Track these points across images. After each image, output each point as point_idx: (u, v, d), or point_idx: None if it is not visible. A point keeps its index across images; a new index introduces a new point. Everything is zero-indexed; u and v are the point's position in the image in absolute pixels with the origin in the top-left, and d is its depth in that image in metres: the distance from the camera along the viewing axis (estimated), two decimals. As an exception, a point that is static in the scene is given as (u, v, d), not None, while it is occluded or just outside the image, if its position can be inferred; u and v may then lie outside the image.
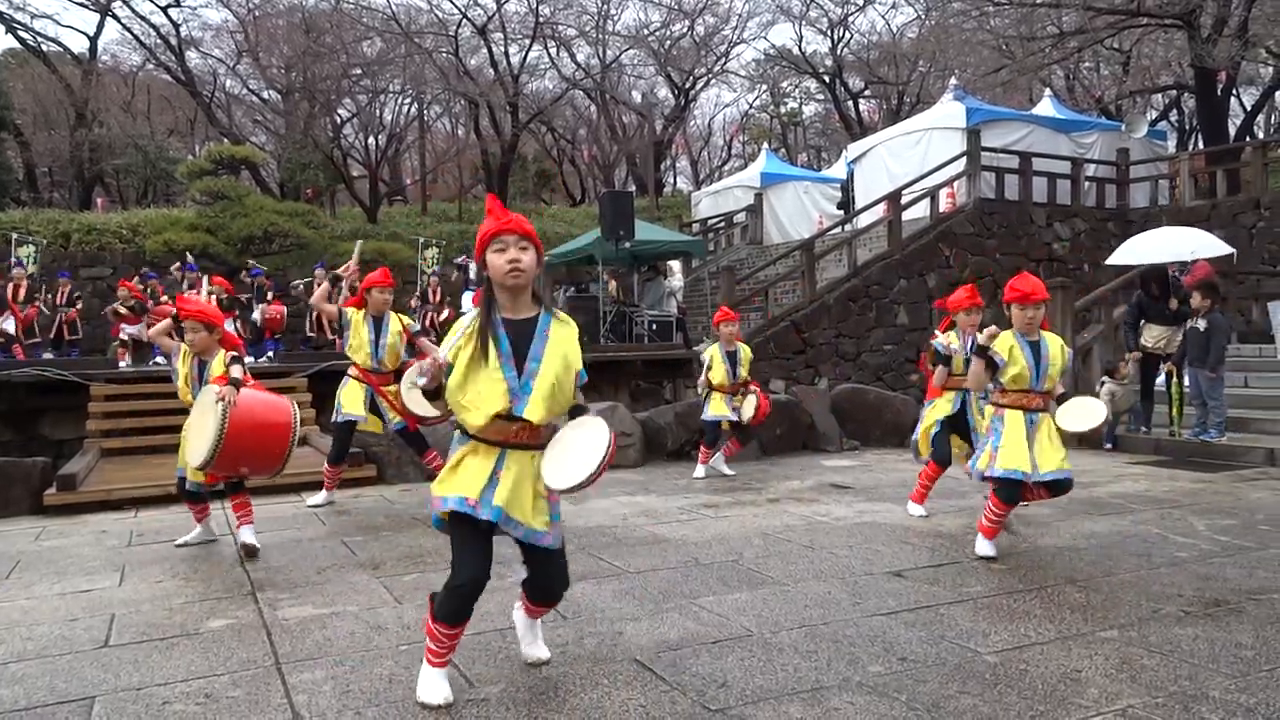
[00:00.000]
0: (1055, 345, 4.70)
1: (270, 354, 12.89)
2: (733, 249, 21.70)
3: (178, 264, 14.73)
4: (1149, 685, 2.97)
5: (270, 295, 13.90)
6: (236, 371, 4.87)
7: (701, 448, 7.75)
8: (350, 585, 4.38)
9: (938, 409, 5.73)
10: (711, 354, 7.59)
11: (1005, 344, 4.63)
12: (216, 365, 5.00)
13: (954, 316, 5.74)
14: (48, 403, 9.50)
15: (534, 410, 2.79)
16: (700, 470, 7.66)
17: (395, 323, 6.47)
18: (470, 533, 2.84)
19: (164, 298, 13.50)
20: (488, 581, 2.87)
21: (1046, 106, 18.14)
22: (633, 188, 30.07)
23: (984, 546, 4.69)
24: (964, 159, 14.87)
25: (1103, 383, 9.24)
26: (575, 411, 2.95)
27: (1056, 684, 2.99)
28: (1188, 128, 28.24)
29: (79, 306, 13.81)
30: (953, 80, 19.63)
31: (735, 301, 13.30)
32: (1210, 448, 8.34)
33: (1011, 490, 4.59)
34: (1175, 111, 28.50)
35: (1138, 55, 22.86)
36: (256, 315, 13.53)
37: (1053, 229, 15.38)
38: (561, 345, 2.86)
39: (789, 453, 8.54)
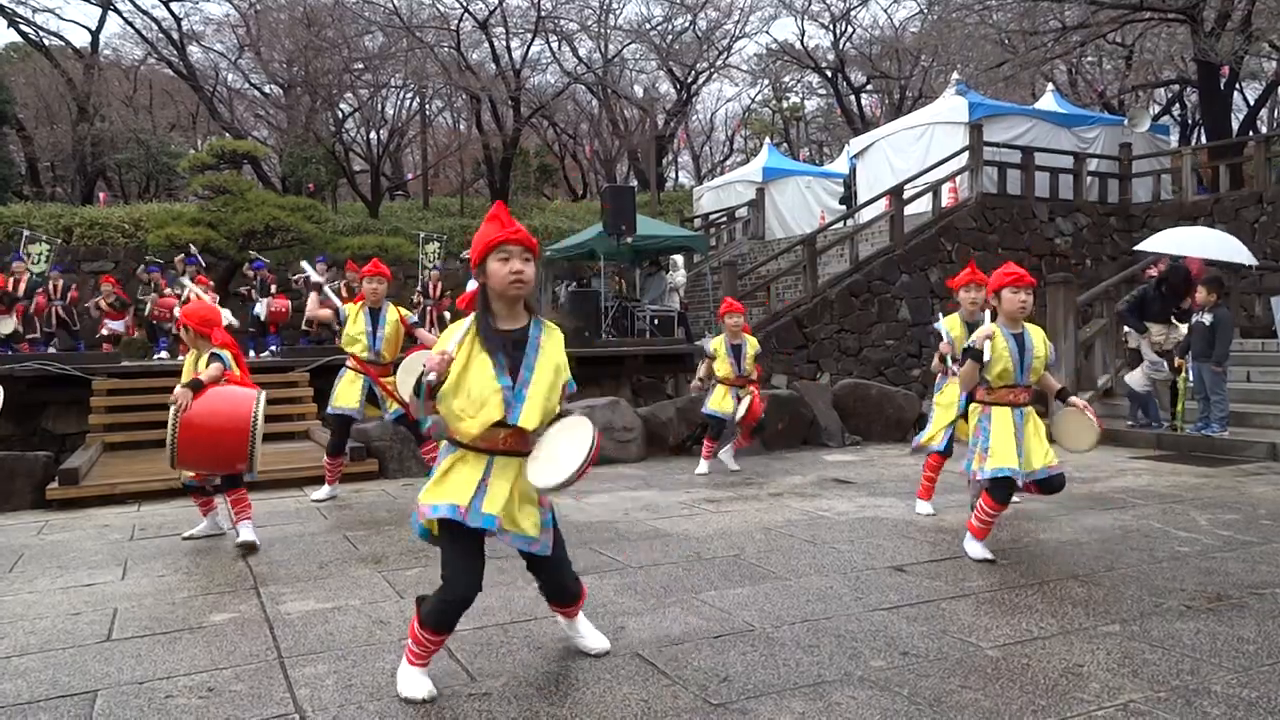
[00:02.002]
0: (1038, 336, 4.58)
1: (273, 349, 12.89)
2: (735, 244, 21.67)
3: (180, 255, 14.72)
4: (1151, 679, 2.97)
5: (274, 289, 13.89)
6: (209, 372, 4.88)
7: (705, 442, 7.73)
8: (352, 580, 4.39)
9: (948, 410, 5.63)
10: (716, 346, 7.54)
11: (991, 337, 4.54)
12: (201, 364, 5.02)
13: (956, 296, 5.71)
14: (50, 397, 9.52)
15: (528, 418, 2.82)
16: (704, 466, 7.59)
17: (392, 313, 6.50)
18: (463, 545, 2.85)
19: (167, 290, 13.49)
20: (478, 594, 2.87)
21: (1049, 101, 18.10)
22: (634, 183, 30.05)
23: (975, 548, 4.54)
24: (966, 154, 14.84)
25: (1163, 364, 9.09)
26: (558, 416, 2.97)
27: (1058, 678, 2.99)
28: (1190, 122, 28.16)
29: (74, 294, 13.76)
30: (955, 75, 19.56)
31: (737, 297, 13.28)
32: (1213, 442, 8.34)
33: (1005, 490, 4.49)
34: (1178, 106, 28.40)
35: (1140, 50, 22.80)
36: (260, 309, 13.51)
37: (1055, 224, 15.36)
38: (552, 355, 2.91)
39: (791, 448, 8.54)
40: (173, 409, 4.69)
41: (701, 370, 7.68)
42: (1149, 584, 4.07)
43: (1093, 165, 16.29)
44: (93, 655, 3.42)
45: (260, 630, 3.65)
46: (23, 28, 26.05)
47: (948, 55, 24.58)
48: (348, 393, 6.45)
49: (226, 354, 5.07)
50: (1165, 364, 8.98)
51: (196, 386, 4.80)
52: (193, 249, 14.55)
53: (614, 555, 4.69)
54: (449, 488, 2.84)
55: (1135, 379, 9.22)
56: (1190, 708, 2.76)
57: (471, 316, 2.88)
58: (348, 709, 2.86)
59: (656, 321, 15.10)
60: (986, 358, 4.44)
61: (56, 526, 5.97)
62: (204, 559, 4.91)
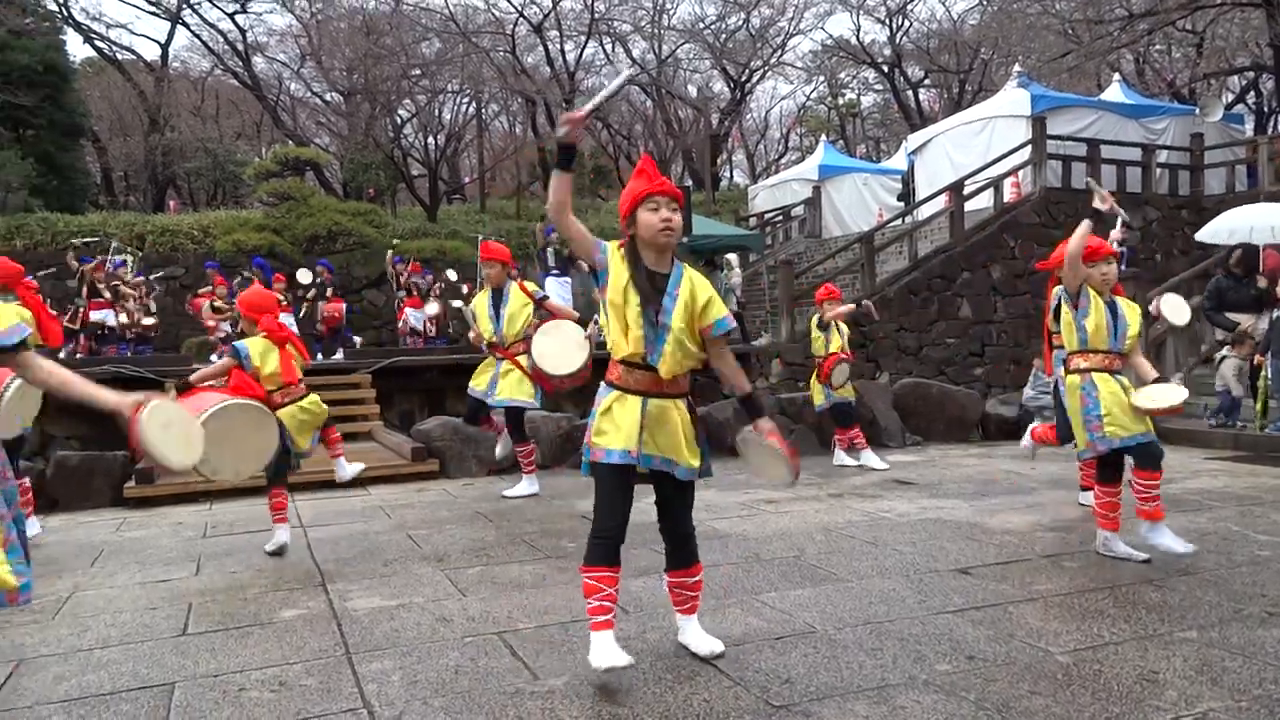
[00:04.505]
0: (1129, 306, 4.47)
1: (339, 353, 13.15)
2: (790, 243, 21.50)
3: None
4: (1231, 688, 2.87)
5: (330, 292, 14.17)
6: (207, 370, 5.01)
7: (838, 434, 8.02)
8: (416, 578, 4.46)
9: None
10: (814, 324, 8.11)
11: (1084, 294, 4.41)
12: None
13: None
14: (126, 398, 9.83)
15: (663, 363, 2.99)
16: (870, 457, 7.81)
17: (516, 292, 6.43)
18: (620, 482, 3.04)
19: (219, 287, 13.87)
20: (628, 524, 3.06)
21: (1115, 92, 17.60)
22: (689, 182, 29.97)
23: (1121, 544, 4.39)
24: (1029, 147, 14.49)
25: (1224, 358, 8.82)
26: (745, 403, 3.17)
27: (1132, 685, 2.91)
28: (1266, 110, 27.11)
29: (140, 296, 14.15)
30: (1016, 67, 19.13)
31: (794, 295, 13.19)
32: (1293, 443, 8.02)
33: (1116, 468, 4.34)
34: (1253, 93, 27.38)
35: (1212, 36, 22.01)
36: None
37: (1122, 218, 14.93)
38: (687, 301, 3.01)
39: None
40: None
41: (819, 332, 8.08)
42: (1227, 589, 3.94)
43: (1162, 157, 15.78)
44: (170, 648, 3.53)
45: (328, 626, 3.73)
46: (97, 43, 27.06)
47: (1008, 47, 24.06)
48: (481, 376, 6.50)
49: (247, 347, 4.95)
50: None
51: (183, 388, 4.63)
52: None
53: (673, 555, 4.69)
54: (618, 432, 3.01)
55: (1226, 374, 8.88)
56: (1273, 718, 2.66)
57: (622, 255, 3.04)
58: (414, 704, 2.91)
59: (713, 321, 15.04)
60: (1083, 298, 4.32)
61: (133, 524, 6.18)
62: (273, 556, 5.03)
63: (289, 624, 3.79)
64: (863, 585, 4.11)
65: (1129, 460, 4.43)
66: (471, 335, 6.77)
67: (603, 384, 3.14)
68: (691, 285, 3.04)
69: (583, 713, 2.81)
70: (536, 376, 6.20)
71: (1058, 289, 5.44)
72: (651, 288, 2.99)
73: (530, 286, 6.56)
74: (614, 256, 3.03)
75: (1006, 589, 4.00)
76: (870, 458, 7.78)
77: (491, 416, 6.73)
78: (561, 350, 5.88)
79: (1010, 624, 3.53)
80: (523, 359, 6.28)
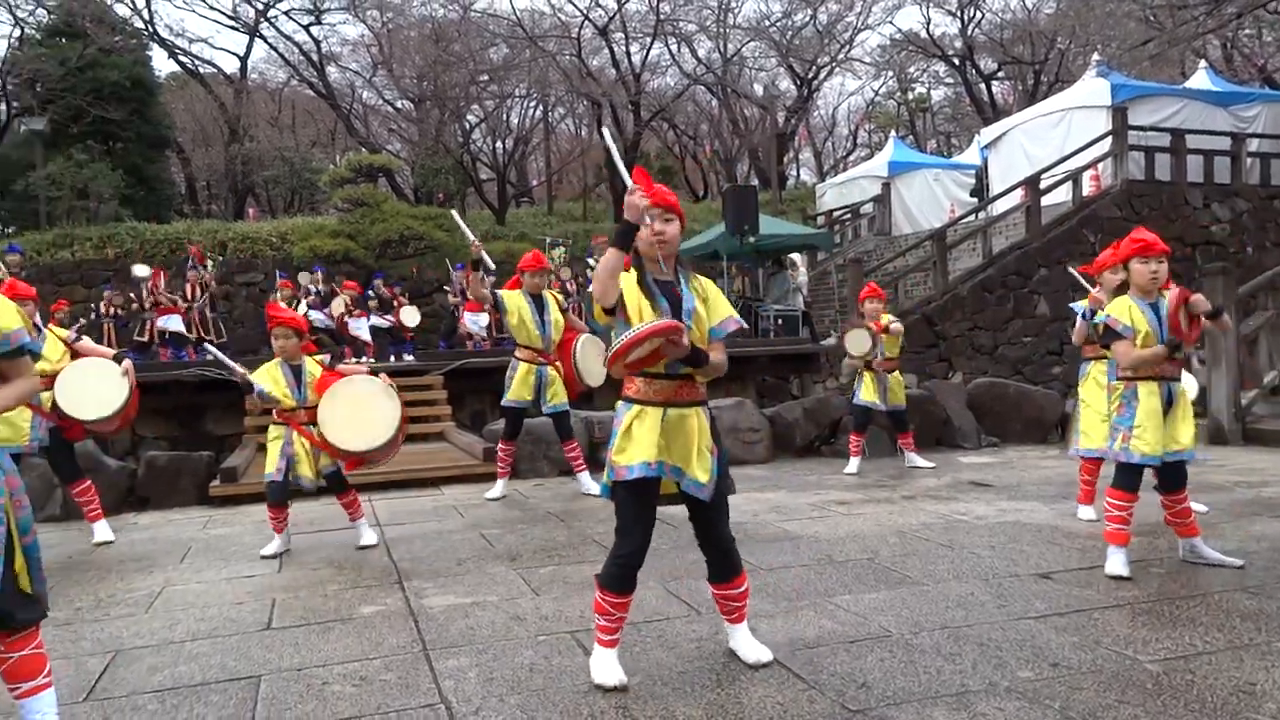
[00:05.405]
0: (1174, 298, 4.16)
1: (409, 355, 13.43)
2: (860, 241, 21.21)
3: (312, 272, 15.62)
4: (1336, 702, 2.74)
5: (405, 300, 14.52)
6: (359, 368, 5.17)
7: (852, 437, 7.65)
8: (489, 576, 4.53)
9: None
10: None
11: (1121, 308, 4.14)
12: (312, 366, 5.19)
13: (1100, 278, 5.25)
14: (210, 400, 10.20)
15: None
16: (854, 464, 7.49)
17: (553, 301, 6.71)
18: (641, 502, 3.03)
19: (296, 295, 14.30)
20: (648, 550, 3.04)
21: (1201, 79, 16.94)
22: (755, 181, 29.78)
23: (1116, 563, 4.11)
24: (1109, 139, 14.06)
25: None
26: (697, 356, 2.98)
27: (1228, 696, 2.79)
28: (1366, 94, 25.74)
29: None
30: (1095, 56, 18.54)
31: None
32: (1399, 445, 7.60)
33: (1134, 477, 4.16)
34: (1351, 77, 26.02)
35: (1307, 18, 21.01)
36: (408, 319, 14.12)
37: (1210, 210, 14.35)
38: (703, 300, 3.07)
39: (923, 449, 8.26)
40: (393, 392, 4.95)
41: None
42: (1330, 598, 3.75)
43: (1253, 146, 15.15)
44: (256, 642, 3.64)
45: (405, 623, 3.81)
46: (180, 58, 28.12)
47: (1087, 36, 23.35)
48: (522, 385, 6.57)
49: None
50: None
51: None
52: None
53: (745, 557, 4.61)
54: (639, 446, 2.97)
55: None
56: (1384, 734, 2.52)
57: (632, 271, 3.04)
58: (490, 701, 2.95)
59: (781, 321, 14.94)
60: (1127, 332, 4.07)
61: (218, 521, 6.40)
62: (352, 554, 5.16)
63: (368, 620, 3.88)
64: (939, 589, 4.03)
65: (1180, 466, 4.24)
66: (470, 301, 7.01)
67: (620, 402, 3.09)
68: (701, 289, 3.09)
69: (656, 712, 2.81)
70: (569, 381, 6.59)
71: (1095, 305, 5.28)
72: (663, 293, 3.00)
73: (560, 298, 6.94)
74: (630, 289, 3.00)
75: (1091, 595, 3.88)
76: (855, 464, 7.53)
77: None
78: (601, 371, 6.21)
79: (1096, 631, 3.42)
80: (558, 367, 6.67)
